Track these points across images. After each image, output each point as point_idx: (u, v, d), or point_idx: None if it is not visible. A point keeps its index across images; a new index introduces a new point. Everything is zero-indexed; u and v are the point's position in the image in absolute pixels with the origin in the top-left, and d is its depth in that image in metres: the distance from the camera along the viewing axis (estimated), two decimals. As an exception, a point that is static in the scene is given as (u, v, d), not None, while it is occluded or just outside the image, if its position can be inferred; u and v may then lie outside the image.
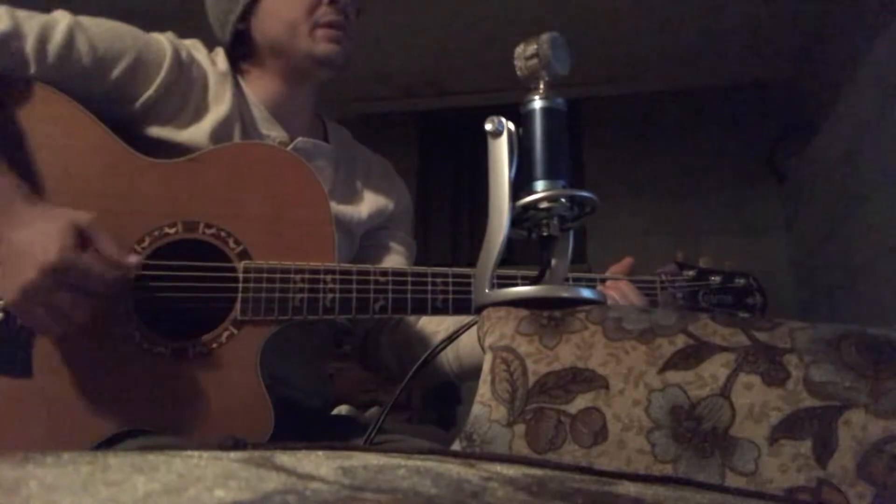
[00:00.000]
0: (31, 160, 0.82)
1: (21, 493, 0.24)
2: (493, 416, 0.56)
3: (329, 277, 0.85)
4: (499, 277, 0.86)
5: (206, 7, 1.04)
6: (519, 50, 0.70)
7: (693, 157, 3.24)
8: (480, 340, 0.63)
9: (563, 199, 0.68)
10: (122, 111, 0.90)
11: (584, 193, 0.68)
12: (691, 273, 1.03)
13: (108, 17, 0.91)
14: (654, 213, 3.23)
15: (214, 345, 0.82)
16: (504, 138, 0.68)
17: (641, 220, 3.22)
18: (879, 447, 0.45)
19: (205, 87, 0.95)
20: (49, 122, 0.84)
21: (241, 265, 0.84)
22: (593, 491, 0.35)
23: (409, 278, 0.87)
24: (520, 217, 0.69)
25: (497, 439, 0.55)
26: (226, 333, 0.82)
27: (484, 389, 0.58)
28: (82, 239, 0.73)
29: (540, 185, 0.68)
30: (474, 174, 3.43)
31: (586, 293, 0.65)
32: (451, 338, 0.75)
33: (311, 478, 0.30)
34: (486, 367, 0.60)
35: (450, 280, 0.87)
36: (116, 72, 0.88)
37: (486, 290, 0.66)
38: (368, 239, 1.08)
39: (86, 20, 0.88)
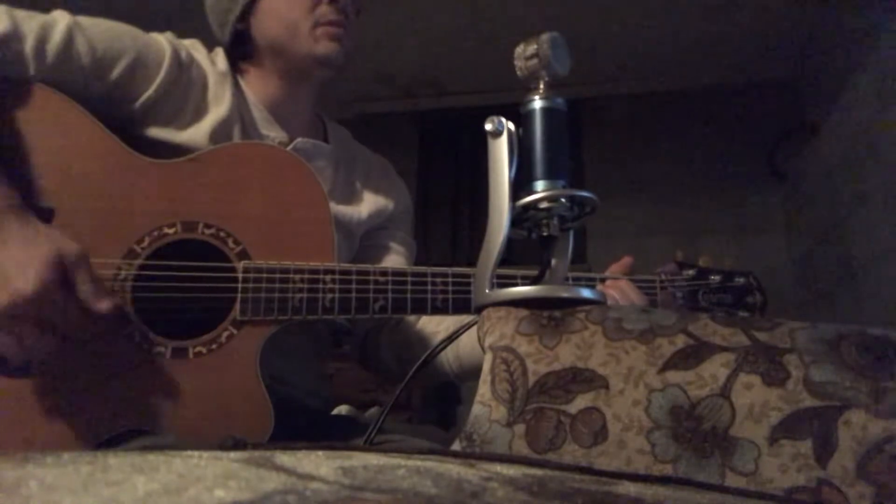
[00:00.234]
0: (31, 161, 0.82)
1: (21, 493, 0.24)
2: (493, 416, 0.56)
3: (329, 277, 0.85)
4: (499, 277, 0.86)
5: (205, 7, 1.04)
6: (519, 50, 0.70)
7: (693, 157, 3.24)
8: (480, 340, 0.63)
9: (563, 199, 0.68)
10: (122, 111, 0.90)
11: (584, 193, 0.68)
12: (691, 272, 1.03)
13: (107, 17, 0.91)
14: (654, 213, 3.23)
15: (214, 345, 0.82)
16: (504, 138, 0.68)
17: (641, 220, 3.22)
18: (879, 447, 0.45)
19: (204, 87, 0.95)
20: (48, 122, 0.84)
21: (240, 265, 0.84)
22: (593, 491, 0.35)
23: (409, 278, 0.87)
24: (520, 217, 0.69)
25: (497, 439, 0.55)
26: (225, 333, 0.83)
27: (484, 389, 0.58)
28: (64, 274, 0.71)
29: (540, 185, 0.68)
30: (474, 174, 3.43)
31: (586, 293, 0.65)
32: (451, 338, 0.74)
33: (311, 478, 0.30)
34: (486, 367, 0.60)
35: (449, 280, 0.87)
36: (116, 72, 0.88)
37: (486, 290, 0.66)
38: (368, 239, 1.08)
39: (85, 20, 0.88)
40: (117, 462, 0.29)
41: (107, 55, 0.87)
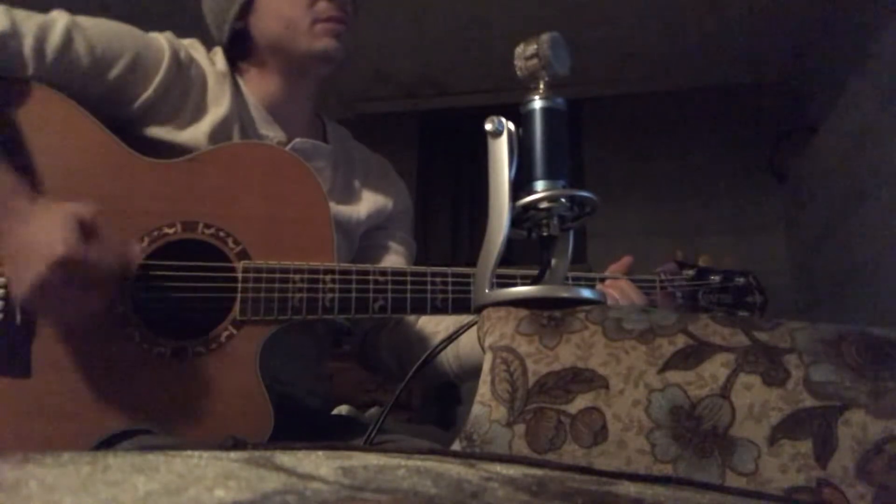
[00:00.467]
0: (30, 161, 0.82)
1: (21, 493, 0.24)
2: (493, 416, 0.56)
3: (328, 277, 0.85)
4: (499, 277, 0.86)
5: (202, 7, 1.03)
6: (519, 50, 0.70)
7: (693, 157, 3.24)
8: (480, 340, 0.63)
9: (563, 199, 0.68)
10: (121, 111, 0.89)
11: (584, 193, 0.68)
12: (691, 272, 1.03)
13: (106, 17, 0.91)
14: (654, 213, 3.23)
15: (214, 345, 0.82)
16: (504, 138, 0.68)
17: (641, 220, 3.22)
18: (879, 447, 0.45)
19: (203, 87, 0.95)
20: (47, 122, 0.84)
21: (240, 265, 0.84)
22: (593, 491, 0.35)
23: (409, 278, 0.87)
24: (520, 217, 0.69)
25: (497, 439, 0.55)
26: (225, 333, 0.82)
27: (484, 389, 0.58)
28: (85, 230, 0.73)
29: (540, 185, 0.68)
30: (474, 174, 3.43)
31: (586, 293, 0.65)
32: (451, 338, 0.74)
33: (311, 478, 0.30)
34: (486, 367, 0.60)
35: (449, 280, 0.87)
36: (115, 72, 0.88)
37: (486, 290, 0.66)
38: (367, 239, 1.08)
39: (84, 20, 0.88)
40: (117, 462, 0.29)
41: (106, 55, 0.87)
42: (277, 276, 0.84)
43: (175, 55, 0.92)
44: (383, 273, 0.87)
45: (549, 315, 0.61)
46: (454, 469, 0.36)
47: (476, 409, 0.57)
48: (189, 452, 0.33)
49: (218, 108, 0.94)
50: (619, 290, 0.94)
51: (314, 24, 0.96)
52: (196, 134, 0.91)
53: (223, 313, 0.83)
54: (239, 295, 0.83)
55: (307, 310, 0.84)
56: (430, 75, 3.38)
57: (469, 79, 3.37)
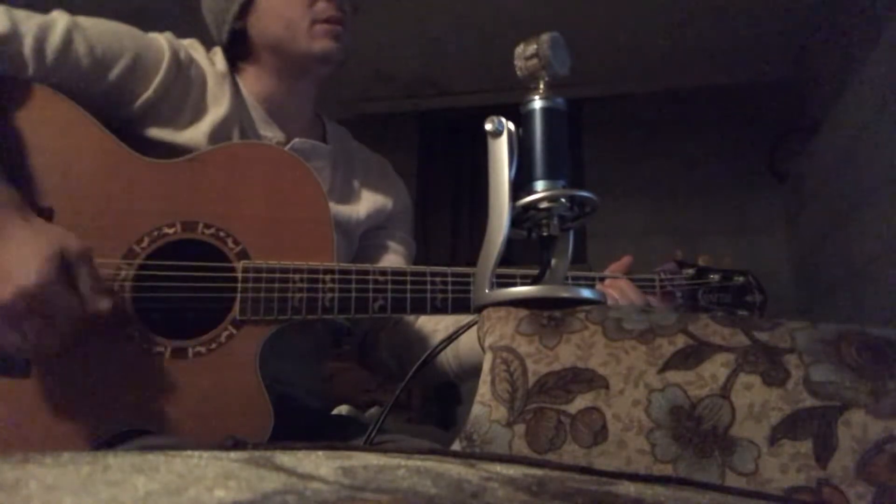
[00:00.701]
0: (30, 161, 0.82)
1: (21, 493, 0.24)
2: (493, 416, 0.56)
3: (328, 277, 0.85)
4: (499, 277, 0.86)
5: (202, 7, 1.03)
6: (519, 50, 0.70)
7: (693, 158, 3.24)
8: (480, 340, 0.63)
9: (563, 199, 0.68)
10: (121, 112, 0.89)
11: (584, 193, 0.68)
12: (690, 272, 1.03)
13: (106, 17, 0.91)
14: (654, 213, 3.23)
15: (214, 345, 0.82)
16: (504, 138, 0.68)
17: (641, 220, 3.22)
18: (879, 447, 0.45)
19: (203, 87, 0.95)
20: (47, 123, 0.84)
21: (240, 265, 0.84)
22: (593, 491, 0.35)
23: (409, 278, 0.87)
24: (520, 217, 0.69)
25: (497, 439, 0.55)
26: (225, 333, 0.82)
27: (484, 389, 0.58)
28: (67, 269, 0.72)
29: (540, 185, 0.68)
30: (474, 174, 3.43)
31: (586, 293, 0.65)
32: (451, 338, 0.74)
33: (311, 478, 0.30)
34: (486, 367, 0.60)
35: (449, 280, 0.87)
36: (115, 72, 0.88)
37: (486, 290, 0.66)
38: (367, 239, 1.08)
39: (84, 20, 0.88)
40: (117, 462, 0.29)
41: (106, 55, 0.87)
42: (277, 276, 0.84)
43: (175, 55, 0.92)
44: (383, 273, 0.87)
45: (549, 315, 0.61)
46: (454, 469, 0.36)
47: (476, 409, 0.57)
48: (189, 452, 0.33)
49: (218, 108, 0.94)
50: (618, 289, 0.94)
51: (313, 24, 0.96)
52: (196, 134, 0.91)
53: (223, 313, 0.83)
54: (239, 295, 0.83)
55: (307, 310, 0.84)
56: (430, 75, 3.38)
57: (469, 79, 3.37)
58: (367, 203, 1.06)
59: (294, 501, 0.25)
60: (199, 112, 0.93)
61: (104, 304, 0.74)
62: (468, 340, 0.82)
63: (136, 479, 0.26)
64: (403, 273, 0.87)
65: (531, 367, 0.57)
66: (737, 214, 3.16)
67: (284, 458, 0.34)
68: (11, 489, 0.24)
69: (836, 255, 2.56)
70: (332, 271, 0.85)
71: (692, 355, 0.53)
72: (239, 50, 1.01)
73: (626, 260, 1.02)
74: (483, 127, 0.68)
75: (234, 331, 0.83)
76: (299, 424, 0.92)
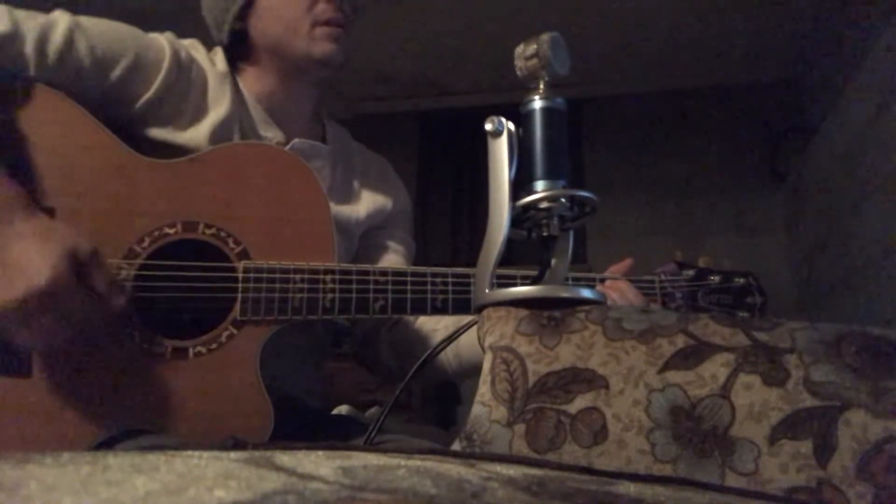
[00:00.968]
0: (31, 161, 0.82)
1: (21, 493, 0.24)
2: (493, 416, 0.56)
3: (329, 277, 0.85)
4: (499, 277, 0.86)
5: (202, 7, 1.03)
6: (519, 50, 0.70)
7: (693, 157, 3.24)
8: (480, 340, 0.63)
9: (563, 199, 0.68)
10: (122, 112, 0.90)
11: (584, 193, 0.68)
12: (691, 273, 1.03)
13: (107, 17, 0.91)
14: (654, 213, 3.23)
15: (214, 345, 0.82)
16: (504, 138, 0.68)
17: (641, 220, 3.22)
18: (879, 447, 0.45)
19: (204, 87, 0.95)
20: (49, 122, 0.84)
21: (240, 265, 0.84)
22: (593, 491, 0.35)
23: (409, 278, 0.87)
24: (520, 217, 0.69)
25: (497, 439, 0.55)
26: (225, 333, 0.83)
27: (484, 389, 0.58)
28: (78, 267, 0.72)
29: (540, 185, 0.68)
30: (474, 174, 3.43)
31: (586, 293, 0.65)
32: (451, 338, 0.74)
33: (311, 478, 0.30)
34: (486, 367, 0.60)
35: (449, 280, 0.87)
36: (116, 72, 0.88)
37: (486, 290, 0.66)
38: (367, 239, 1.08)
39: (85, 20, 0.88)
40: (117, 462, 0.29)
41: (107, 56, 0.87)
42: (278, 276, 0.84)
43: (176, 56, 0.92)
44: (383, 273, 0.87)
45: (549, 315, 0.61)
46: (454, 469, 0.36)
47: (476, 409, 0.57)
48: (189, 452, 0.33)
49: (218, 108, 0.94)
50: (618, 291, 0.94)
51: (313, 27, 0.95)
52: (197, 134, 0.91)
53: (224, 313, 0.83)
54: (239, 295, 0.83)
55: (307, 310, 0.84)
56: (430, 75, 3.38)
57: (469, 79, 3.37)
58: (367, 203, 1.06)
59: (294, 501, 0.25)
60: (199, 112, 0.93)
61: (119, 300, 0.76)
62: (469, 339, 0.82)
63: (136, 479, 0.26)
64: (404, 273, 0.87)
65: (531, 367, 0.57)
66: (737, 215, 3.16)
67: (284, 458, 0.34)
68: (11, 489, 0.24)
69: (836, 255, 2.56)
70: (332, 271, 0.85)
71: (692, 355, 0.53)
72: (239, 50, 1.01)
73: (626, 262, 1.02)
74: (483, 127, 0.68)
75: (235, 331, 0.83)
76: (299, 424, 0.92)
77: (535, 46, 0.69)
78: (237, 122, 0.95)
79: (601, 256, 2.85)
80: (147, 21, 0.96)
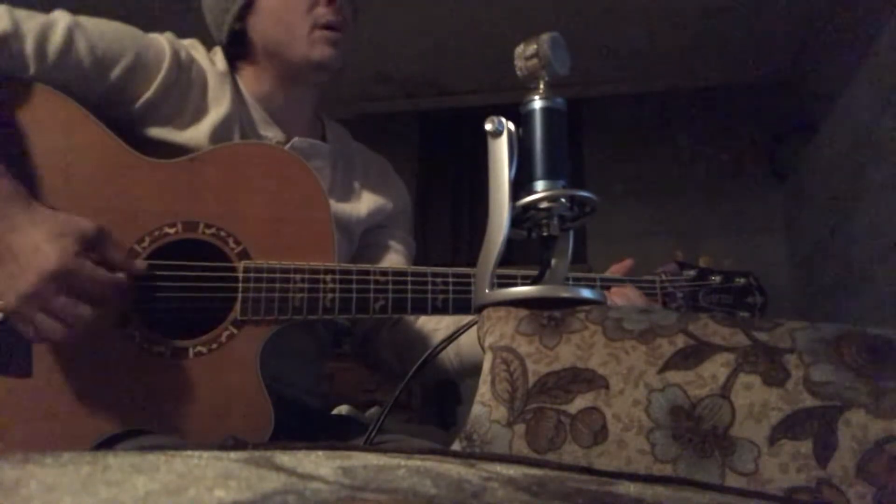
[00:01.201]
0: (31, 161, 0.82)
1: (21, 493, 0.24)
2: (493, 416, 0.56)
3: (329, 277, 0.85)
4: (499, 277, 0.86)
5: (202, 7, 1.03)
6: (519, 50, 0.70)
7: (693, 157, 3.24)
8: (480, 340, 0.63)
9: (563, 199, 0.67)
10: (122, 112, 0.89)
11: (584, 193, 0.68)
12: (691, 273, 1.03)
13: (107, 17, 0.91)
14: (654, 213, 3.23)
15: (214, 345, 0.82)
16: (504, 138, 0.68)
17: (641, 220, 3.22)
18: (879, 447, 0.45)
19: (204, 87, 0.95)
20: (49, 122, 0.84)
21: (240, 265, 0.84)
22: (593, 491, 0.35)
23: (409, 278, 0.87)
24: (520, 217, 0.69)
25: (497, 439, 0.55)
26: (226, 333, 0.83)
27: (484, 389, 0.58)
28: (85, 245, 0.73)
29: (540, 185, 0.67)
30: (474, 174, 3.43)
31: (586, 293, 0.65)
32: (451, 338, 0.74)
33: (311, 478, 0.30)
34: (486, 367, 0.60)
35: (450, 280, 0.87)
36: (116, 72, 0.88)
37: (486, 290, 0.66)
38: (367, 238, 1.08)
39: (85, 20, 0.88)
40: (117, 462, 0.29)
41: (107, 55, 0.87)
42: (278, 276, 0.84)
43: (176, 56, 0.92)
44: (384, 273, 0.87)
45: (549, 315, 0.61)
46: (454, 469, 0.36)
47: (476, 409, 0.57)
48: (189, 452, 0.33)
49: (218, 108, 0.94)
50: (624, 297, 0.93)
51: (312, 30, 0.95)
52: (197, 134, 0.91)
53: (224, 313, 0.83)
54: (240, 295, 0.83)
55: (308, 310, 0.84)
56: (430, 75, 3.38)
57: (469, 79, 3.37)
58: (367, 202, 1.06)
59: (294, 501, 0.25)
60: (199, 112, 0.93)
61: (139, 265, 0.78)
62: (469, 338, 0.82)
63: (136, 479, 0.26)
64: (404, 273, 0.87)
65: (531, 367, 0.57)
66: (737, 214, 3.16)
67: (284, 458, 0.34)
68: (11, 489, 0.25)
69: (836, 255, 2.56)
70: (332, 271, 0.85)
71: (692, 355, 0.53)
72: (238, 50, 1.01)
73: (627, 262, 1.02)
74: (483, 127, 0.68)
75: (235, 331, 0.83)
76: (299, 424, 0.92)
77: (535, 46, 0.69)
78: (237, 122, 0.95)
79: (601, 256, 2.85)
80: (147, 21, 0.96)
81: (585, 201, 0.69)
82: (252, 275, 0.83)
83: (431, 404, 2.58)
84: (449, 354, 0.99)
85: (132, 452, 0.33)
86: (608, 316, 0.59)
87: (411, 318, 1.04)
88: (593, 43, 2.99)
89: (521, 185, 0.68)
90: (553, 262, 0.70)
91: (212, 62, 0.98)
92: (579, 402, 0.54)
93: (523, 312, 0.62)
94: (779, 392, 0.49)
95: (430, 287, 0.87)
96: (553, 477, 0.38)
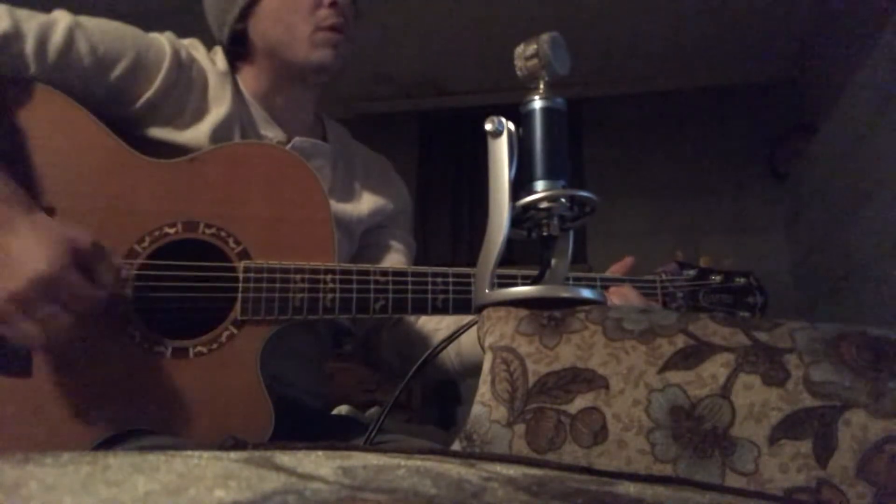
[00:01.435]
0: (31, 160, 0.82)
1: (21, 493, 0.24)
2: (493, 416, 0.56)
3: (329, 277, 0.85)
4: (499, 277, 0.86)
5: (204, 6, 1.03)
6: (519, 50, 0.70)
7: (693, 157, 3.24)
8: (480, 340, 0.63)
9: (563, 199, 0.68)
10: (122, 111, 0.90)
11: (584, 193, 0.68)
12: (692, 273, 1.03)
13: (107, 17, 0.91)
14: (654, 213, 3.24)
15: (215, 345, 0.82)
16: (504, 138, 0.68)
17: (641, 220, 3.22)
18: (879, 447, 0.45)
19: (204, 87, 0.95)
20: (49, 122, 0.84)
21: (241, 265, 0.84)
22: (593, 491, 0.35)
23: (410, 278, 0.87)
24: (520, 217, 0.69)
25: (497, 439, 0.55)
26: (226, 333, 0.83)
27: (484, 389, 0.58)
28: (77, 255, 0.72)
29: (540, 185, 0.68)
30: (474, 174, 3.43)
31: (586, 293, 0.65)
32: (451, 338, 0.74)
33: (311, 478, 0.30)
34: (486, 367, 0.60)
35: (450, 280, 0.87)
36: (116, 72, 0.88)
37: (486, 290, 0.66)
38: (368, 238, 1.08)
39: (86, 20, 0.88)
40: (117, 462, 0.29)
41: (107, 55, 0.87)
42: (278, 275, 0.84)
43: (176, 55, 0.92)
44: (384, 273, 0.87)
45: (549, 315, 0.61)
46: (454, 469, 0.36)
47: (476, 409, 0.57)
48: (189, 452, 0.33)
49: (219, 108, 0.94)
50: (622, 297, 0.93)
51: (314, 32, 0.95)
52: (197, 134, 0.91)
53: (224, 313, 0.83)
54: (240, 295, 0.83)
55: (308, 310, 0.84)
56: (430, 75, 3.38)
57: (469, 79, 3.37)
58: (367, 202, 1.06)
59: (294, 501, 0.25)
60: (200, 112, 0.93)
61: (123, 291, 0.76)
62: (470, 338, 0.82)
63: (136, 479, 0.26)
64: (404, 273, 0.87)
65: (531, 367, 0.57)
66: (737, 214, 3.16)
67: (284, 458, 0.34)
68: (11, 489, 0.25)
69: (836, 255, 2.56)
70: (333, 271, 0.85)
71: (692, 355, 0.53)
72: (239, 50, 1.01)
73: (627, 261, 1.02)
74: (483, 127, 0.68)
75: (235, 331, 0.83)
76: (299, 424, 0.92)
77: (535, 46, 0.69)
78: (238, 122, 0.95)
79: (601, 256, 2.85)
80: (147, 21, 0.96)
81: (585, 201, 0.69)
82: (252, 275, 0.83)
83: (431, 404, 2.58)
84: (449, 355, 0.99)
85: (132, 452, 0.33)
86: (608, 316, 0.59)
87: (412, 318, 1.05)
88: (593, 43, 2.99)
89: (521, 185, 0.68)
90: (553, 262, 0.70)
91: (212, 62, 0.98)
92: (579, 402, 0.54)
93: (523, 312, 0.62)
94: (779, 392, 0.49)
95: (430, 287, 0.87)
96: (553, 477, 0.38)
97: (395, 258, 1.08)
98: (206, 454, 0.33)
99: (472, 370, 0.96)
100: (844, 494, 0.44)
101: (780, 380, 0.49)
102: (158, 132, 0.90)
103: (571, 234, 0.71)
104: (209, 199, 0.86)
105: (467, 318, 0.73)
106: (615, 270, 1.01)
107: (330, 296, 0.84)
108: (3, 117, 0.82)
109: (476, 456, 0.45)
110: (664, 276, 1.01)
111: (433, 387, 2.58)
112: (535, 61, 0.69)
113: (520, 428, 0.54)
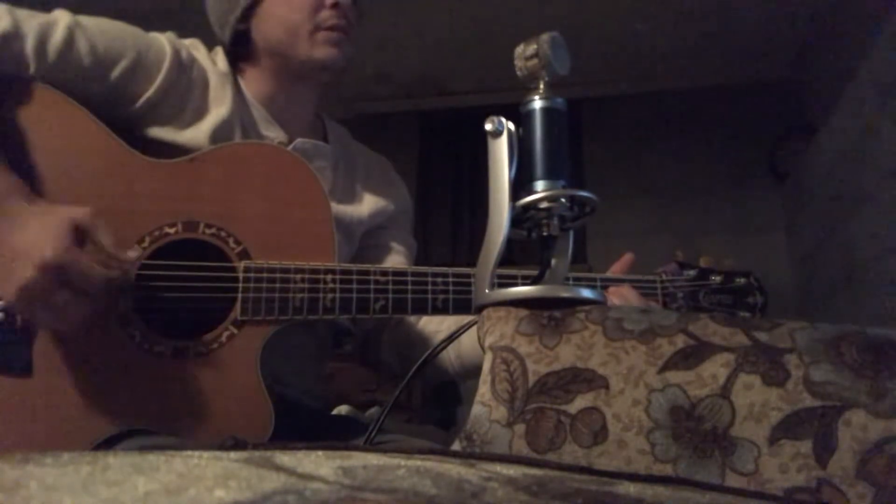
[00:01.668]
0: (31, 160, 0.82)
1: (21, 493, 0.24)
2: (493, 416, 0.56)
3: (329, 277, 0.85)
4: (499, 277, 0.86)
5: (205, 6, 1.03)
6: (519, 50, 0.70)
7: (693, 157, 3.24)
8: (480, 340, 0.63)
9: (563, 199, 0.68)
10: (123, 111, 0.90)
11: (584, 193, 0.68)
12: (692, 273, 1.03)
13: (108, 17, 0.91)
14: (654, 213, 3.23)
15: (215, 345, 0.82)
16: (504, 138, 0.68)
17: (641, 220, 3.22)
18: (879, 447, 0.45)
19: (205, 87, 0.95)
20: (49, 121, 0.84)
21: (241, 265, 0.84)
22: (593, 491, 0.35)
23: (410, 278, 0.87)
24: (520, 217, 0.69)
25: (497, 439, 0.55)
26: (226, 333, 0.83)
27: (484, 389, 0.58)
28: (81, 236, 0.73)
29: (540, 185, 0.68)
30: (474, 174, 3.43)
31: (586, 293, 0.65)
32: (451, 338, 0.74)
33: (311, 478, 0.30)
34: (486, 367, 0.60)
35: (450, 280, 0.87)
36: (116, 72, 0.88)
37: (486, 290, 0.66)
38: (368, 239, 1.08)
39: (86, 20, 0.88)
40: (117, 462, 0.29)
41: (108, 55, 0.87)
42: (278, 276, 0.84)
43: (177, 55, 0.92)
44: (384, 273, 0.87)
45: (549, 315, 0.61)
46: (454, 469, 0.36)
47: (476, 409, 0.57)
48: (189, 452, 0.33)
49: (219, 108, 0.94)
50: (621, 297, 0.93)
51: (316, 31, 0.96)
52: (197, 134, 0.91)
53: (224, 313, 0.83)
54: (240, 295, 0.83)
55: (308, 310, 0.84)
56: (430, 75, 3.38)
57: (469, 79, 3.37)
58: (368, 203, 1.06)
59: (294, 501, 0.25)
60: (200, 112, 0.93)
61: (130, 255, 0.76)
62: (470, 339, 0.82)
63: (136, 479, 0.26)
64: (404, 273, 0.87)
65: (531, 367, 0.57)
66: (737, 214, 3.16)
67: (284, 458, 0.34)
68: (11, 489, 0.25)
69: (836, 255, 2.56)
70: (333, 271, 0.85)
71: (692, 355, 0.53)
72: (240, 51, 1.01)
73: (627, 258, 1.02)
74: (483, 127, 0.68)
75: (235, 331, 0.83)
76: (299, 424, 0.92)
77: (535, 46, 0.69)
78: (238, 122, 0.95)
79: (601, 256, 2.85)
80: (148, 21, 0.96)
81: (585, 201, 0.69)
82: (252, 275, 0.83)
83: (431, 404, 2.58)
84: (450, 355, 0.99)
85: (132, 452, 0.33)
86: (608, 316, 0.59)
87: (413, 319, 1.05)
88: (593, 43, 2.99)
89: (521, 185, 0.68)
90: (553, 262, 0.70)
91: (213, 62, 0.98)
92: (579, 402, 0.54)
93: (523, 312, 0.62)
94: (779, 392, 0.49)
95: (430, 287, 0.87)
96: (553, 477, 0.38)
97: (396, 259, 1.08)
98: (206, 454, 0.33)
99: (472, 371, 0.96)
100: (844, 494, 0.44)
101: (780, 380, 0.49)
102: (158, 132, 0.90)
103: (571, 234, 0.71)
104: (209, 199, 0.86)
105: (467, 319, 0.73)
106: (615, 269, 1.01)
107: (330, 296, 0.84)
108: (3, 117, 0.82)
109: (476, 456, 0.45)
110: (664, 277, 1.01)
111: (433, 387, 2.58)
112: (535, 61, 0.69)
113: (520, 428, 0.54)
